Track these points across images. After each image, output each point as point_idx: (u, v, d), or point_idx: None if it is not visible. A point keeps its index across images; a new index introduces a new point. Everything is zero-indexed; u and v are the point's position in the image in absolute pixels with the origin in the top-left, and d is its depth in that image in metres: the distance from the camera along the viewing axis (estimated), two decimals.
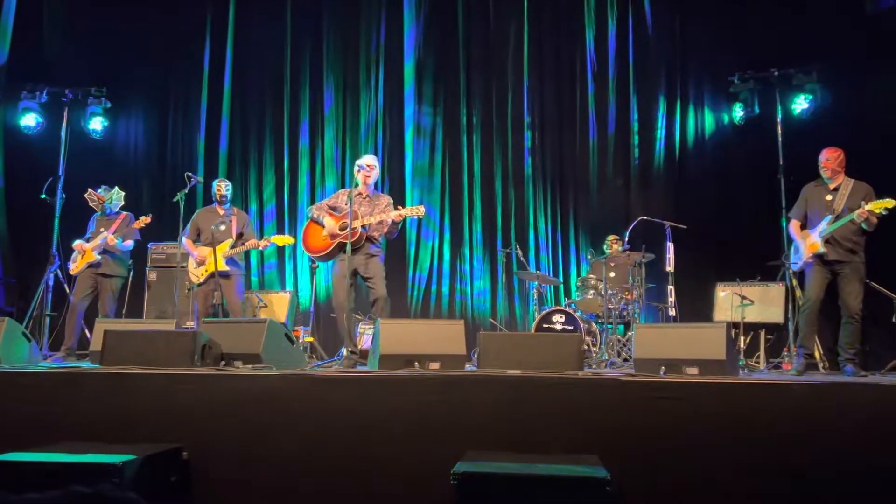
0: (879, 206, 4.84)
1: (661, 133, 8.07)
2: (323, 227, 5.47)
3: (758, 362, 6.05)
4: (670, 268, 6.22)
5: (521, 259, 7.45)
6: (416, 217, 5.44)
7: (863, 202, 4.97)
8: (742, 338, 6.08)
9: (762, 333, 6.24)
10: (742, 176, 7.56)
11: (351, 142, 8.35)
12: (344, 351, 5.25)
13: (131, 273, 6.84)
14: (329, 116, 8.36)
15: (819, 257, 5.01)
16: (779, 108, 7.43)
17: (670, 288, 6.25)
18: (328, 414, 3.52)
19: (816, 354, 6.17)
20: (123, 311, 6.86)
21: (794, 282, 6.03)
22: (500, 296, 7.82)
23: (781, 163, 7.01)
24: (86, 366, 4.59)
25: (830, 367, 6.33)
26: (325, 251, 5.43)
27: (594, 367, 5.64)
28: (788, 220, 5.48)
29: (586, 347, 6.33)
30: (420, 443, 3.41)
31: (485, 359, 4.20)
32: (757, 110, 7.56)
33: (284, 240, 6.00)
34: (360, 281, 5.50)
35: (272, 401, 3.56)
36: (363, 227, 5.30)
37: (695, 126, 8.07)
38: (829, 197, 5.12)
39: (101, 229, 6.40)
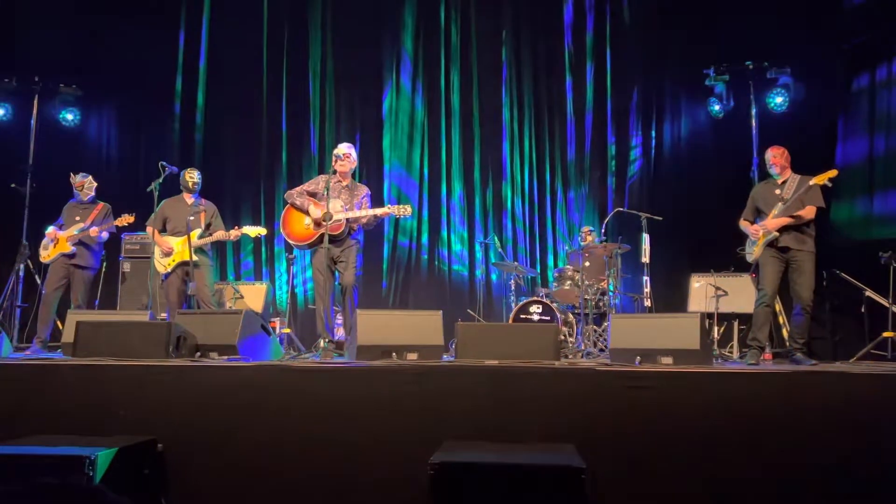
0: (823, 177, 4.92)
1: (637, 126, 8.12)
2: (304, 213, 5.41)
3: (731, 352, 6.13)
4: (646, 259, 6.26)
5: (500, 250, 7.46)
6: (402, 216, 5.45)
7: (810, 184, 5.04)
8: (716, 328, 6.16)
9: (735, 323, 6.33)
10: (717, 169, 7.63)
11: (329, 130, 8.28)
12: (321, 342, 5.22)
13: (104, 264, 6.73)
14: (307, 105, 8.28)
15: (771, 245, 5.04)
16: (753, 102, 7.51)
17: (646, 279, 6.30)
18: (305, 405, 3.50)
19: (788, 345, 6.28)
20: (97, 302, 6.76)
21: None
22: (479, 286, 7.83)
23: (755, 156, 7.09)
24: (58, 357, 4.51)
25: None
26: (308, 241, 5.39)
27: (571, 356, 5.67)
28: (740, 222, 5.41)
29: (563, 337, 6.35)
30: (397, 433, 3.41)
31: (462, 349, 4.21)
32: (732, 104, 7.63)
33: (256, 231, 5.90)
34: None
35: (248, 392, 3.53)
36: (346, 220, 5.31)
37: (671, 119, 8.13)
38: (777, 191, 5.16)
39: (77, 218, 6.27)
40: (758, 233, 5.10)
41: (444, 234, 8.13)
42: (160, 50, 8.23)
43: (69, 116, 8.03)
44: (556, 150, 8.22)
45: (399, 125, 8.24)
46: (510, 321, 6.55)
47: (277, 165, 8.25)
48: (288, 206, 5.58)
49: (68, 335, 4.65)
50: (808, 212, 5.01)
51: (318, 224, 5.34)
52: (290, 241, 5.53)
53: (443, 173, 8.20)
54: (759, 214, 5.28)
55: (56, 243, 6.16)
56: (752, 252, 5.23)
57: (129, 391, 3.57)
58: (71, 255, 6.12)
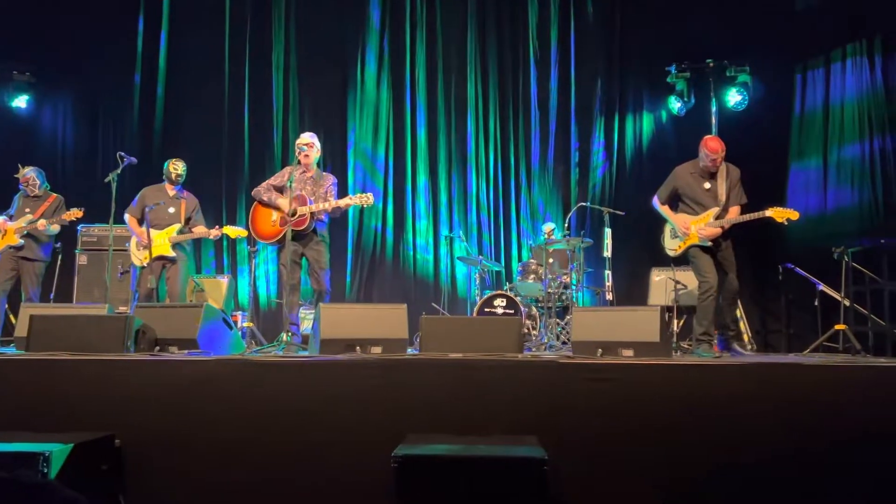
0: (782, 215, 4.81)
1: (600, 122, 8.21)
2: (272, 209, 5.33)
3: (690, 344, 6.25)
4: (608, 253, 6.35)
5: (465, 244, 7.49)
6: (364, 205, 5.41)
7: (735, 194, 5.01)
8: (675, 321, 6.27)
9: (693, 317, 6.45)
10: (677, 164, 7.76)
11: (293, 123, 8.19)
12: (284, 336, 5.18)
13: (60, 257, 6.56)
14: (270, 97, 8.17)
15: (699, 246, 5.03)
16: (713, 99, 7.66)
17: (607, 273, 6.39)
18: (267, 400, 3.46)
19: (745, 337, 6.44)
20: (51, 296, 6.58)
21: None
22: (443, 280, 7.85)
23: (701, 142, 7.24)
24: (10, 352, 4.39)
25: (759, 349, 6.63)
26: (275, 237, 5.32)
27: (534, 349, 5.71)
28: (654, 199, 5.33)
29: (526, 331, 6.41)
30: (361, 427, 3.39)
31: (427, 343, 4.21)
32: (693, 101, 7.77)
33: (237, 232, 5.78)
34: (304, 264, 5.44)
35: (209, 387, 3.48)
36: (311, 213, 5.26)
37: (634, 116, 8.24)
38: (707, 185, 5.08)
39: (27, 210, 6.09)
40: (689, 231, 5.01)
41: (409, 227, 8.12)
42: (118, 38, 8.02)
43: (21, 104, 7.78)
44: (521, 144, 8.26)
45: (364, 118, 8.19)
46: (474, 314, 6.57)
47: (240, 158, 8.12)
48: (255, 203, 5.50)
49: (21, 329, 4.52)
50: (734, 213, 4.99)
51: (283, 222, 5.28)
52: (259, 239, 5.47)
53: (408, 166, 8.18)
54: (678, 199, 5.18)
55: (4, 235, 5.98)
56: (676, 248, 5.17)
57: (85, 386, 3.49)
58: (19, 248, 5.95)
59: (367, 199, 5.31)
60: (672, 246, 5.26)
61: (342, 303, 7.07)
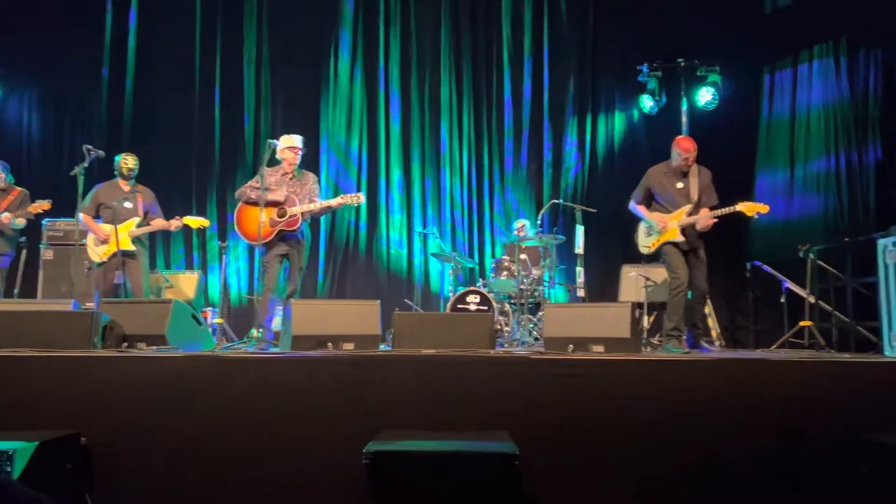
0: (752, 209, 4.93)
1: (573, 120, 8.27)
2: (262, 208, 5.29)
3: (661, 341, 6.33)
4: (580, 250, 6.40)
5: (438, 240, 7.48)
6: (355, 204, 5.45)
7: (705, 197, 5.11)
8: (646, 317, 6.34)
9: (663, 313, 6.53)
10: (650, 163, 7.80)
11: (265, 116, 8.10)
12: (255, 332, 5.14)
13: (24, 251, 6.43)
14: (241, 90, 8.07)
15: (673, 244, 5.12)
16: (684, 99, 7.75)
17: (579, 269, 6.44)
18: (237, 397, 3.43)
19: (714, 334, 6.54)
20: (15, 291, 6.44)
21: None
22: (417, 276, 7.84)
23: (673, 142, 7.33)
24: None
25: (727, 345, 6.73)
26: (266, 238, 5.31)
27: (507, 346, 5.74)
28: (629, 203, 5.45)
29: (499, 327, 6.43)
30: (333, 424, 3.38)
31: (400, 339, 4.22)
32: (664, 100, 7.85)
33: (199, 222, 5.71)
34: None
35: (178, 384, 3.43)
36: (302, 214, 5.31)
37: (606, 114, 8.31)
38: (680, 185, 5.18)
39: None
40: (666, 226, 5.09)
41: (383, 222, 8.09)
42: (87, 29, 7.85)
43: None
44: (495, 141, 8.28)
45: (337, 111, 8.14)
46: (447, 311, 6.58)
47: (210, 152, 8.01)
48: (240, 204, 5.44)
49: None
50: (704, 215, 5.06)
51: (273, 223, 5.30)
52: (247, 240, 5.44)
53: (382, 161, 8.15)
54: (651, 199, 5.29)
55: None
56: (650, 245, 5.25)
57: (51, 384, 3.42)
58: None
59: (358, 198, 5.37)
60: (646, 244, 5.33)
61: (314, 298, 7.03)
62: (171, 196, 7.89)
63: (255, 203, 5.34)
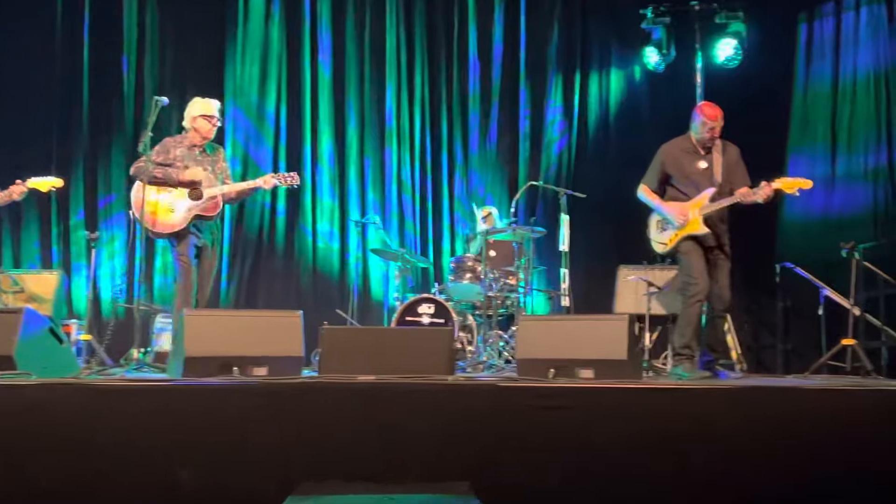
0: (792, 185, 5.01)
1: (557, 81, 8.33)
2: (175, 186, 5.31)
3: (666, 363, 6.41)
4: (565, 247, 6.42)
5: (382, 231, 7.44)
6: (291, 187, 5.59)
7: (736, 177, 5.18)
8: (648, 334, 6.41)
9: (671, 329, 6.61)
10: (654, 135, 7.93)
11: (151, 66, 7.94)
12: (134, 352, 5.08)
13: None
14: (120, 31, 7.90)
15: (695, 238, 5.18)
16: (699, 53, 7.86)
17: (564, 271, 6.47)
18: (110, 437, 3.37)
19: (734, 355, 6.66)
20: None
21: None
22: (353, 278, 7.78)
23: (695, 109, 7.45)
24: None
25: (749, 369, 6.86)
26: (178, 227, 5.31)
27: (469, 370, 5.75)
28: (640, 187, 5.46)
29: (460, 346, 6.44)
30: (239, 474, 3.35)
31: (329, 361, 4.21)
32: (673, 54, 7.95)
33: (49, 183, 5.53)
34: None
35: (31, 419, 3.37)
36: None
37: (599, 73, 8.40)
38: (702, 164, 5.25)
39: None
40: (687, 217, 5.16)
41: (308, 207, 8.03)
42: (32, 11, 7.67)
43: None
44: (456, 106, 8.30)
45: (247, 61, 8.03)
46: (393, 324, 6.56)
47: (76, 113, 7.85)
48: (139, 183, 5.35)
49: None
50: (763, 186, 5.10)
51: (188, 209, 5.30)
52: (154, 231, 5.34)
53: (307, 128, 8.09)
54: (667, 183, 5.35)
55: None
56: (667, 242, 5.30)
57: None
58: None
59: (293, 179, 5.51)
60: (661, 240, 5.38)
61: (215, 308, 6.92)
62: (23, 168, 7.65)
63: (160, 182, 5.30)
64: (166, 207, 5.30)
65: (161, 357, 5.40)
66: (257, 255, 7.93)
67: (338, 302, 7.63)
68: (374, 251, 7.49)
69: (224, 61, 8.04)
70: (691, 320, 5.11)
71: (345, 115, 8.16)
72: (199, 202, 5.31)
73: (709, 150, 5.26)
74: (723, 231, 5.25)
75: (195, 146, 5.48)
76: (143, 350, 5.12)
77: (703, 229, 5.14)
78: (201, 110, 5.51)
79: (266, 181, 5.49)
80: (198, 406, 3.46)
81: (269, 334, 4.33)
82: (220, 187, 5.38)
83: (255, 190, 5.61)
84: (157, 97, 5.31)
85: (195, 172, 5.35)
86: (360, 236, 7.77)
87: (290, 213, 8.02)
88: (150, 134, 5.23)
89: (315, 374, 4.51)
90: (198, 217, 5.33)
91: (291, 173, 5.56)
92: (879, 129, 7.29)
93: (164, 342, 5.92)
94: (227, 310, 7.11)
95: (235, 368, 4.14)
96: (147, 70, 7.95)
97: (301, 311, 4.45)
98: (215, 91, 7.92)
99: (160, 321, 6.35)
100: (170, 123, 6.71)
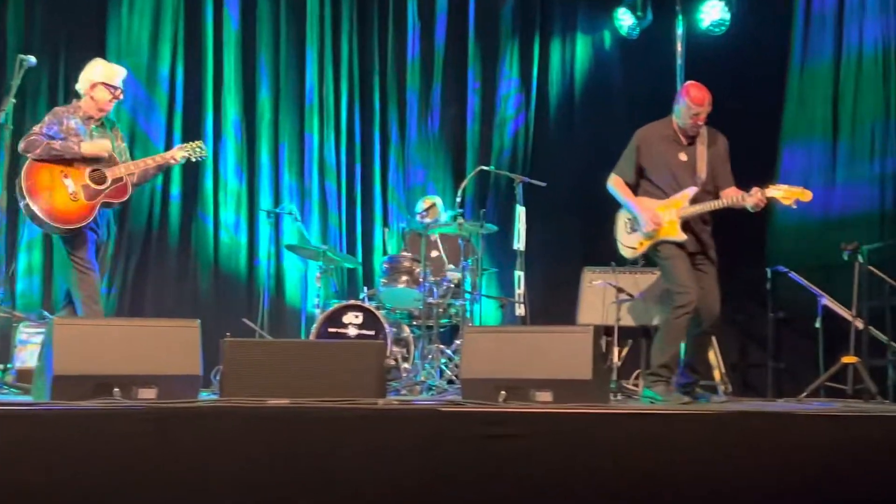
0: (789, 196, 5.06)
1: (512, 48, 8.39)
2: (67, 168, 5.24)
3: (637, 385, 6.47)
4: (520, 245, 6.45)
5: (299, 224, 7.38)
6: (200, 159, 5.71)
7: (720, 179, 5.28)
8: (616, 349, 6.47)
9: (643, 343, 6.68)
10: (627, 115, 8.02)
11: (13, 21, 7.72)
12: None
13: None
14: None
15: (674, 244, 5.23)
16: (679, 17, 7.96)
17: (519, 274, 6.49)
18: None
19: (717, 375, 6.76)
20: None
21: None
22: (263, 280, 7.70)
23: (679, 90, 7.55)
24: None
25: (735, 391, 6.96)
26: (85, 219, 5.27)
27: (404, 392, 5.78)
28: (611, 178, 5.51)
29: (393, 362, 6.44)
30: None
31: (233, 381, 4.21)
32: (650, 18, 8.04)
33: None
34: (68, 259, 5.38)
35: None
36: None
37: (562, 40, 8.48)
38: (683, 156, 5.31)
39: None
40: (659, 224, 5.20)
41: (209, 193, 7.94)
42: None
43: None
44: (392, 78, 8.31)
45: (135, 12, 7.88)
46: (312, 337, 6.54)
47: None
48: (31, 164, 5.26)
49: None
50: (732, 195, 5.20)
51: (94, 193, 5.26)
52: (52, 224, 5.25)
53: (208, 94, 8.00)
54: (641, 176, 5.40)
55: None
56: (636, 246, 5.37)
57: None
58: None
59: (202, 149, 5.65)
60: (629, 242, 5.43)
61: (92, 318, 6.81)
62: None
63: (58, 160, 5.23)
64: (64, 193, 5.20)
65: (24, 376, 5.26)
66: (145, 250, 7.79)
67: (244, 309, 7.57)
68: (290, 247, 7.44)
69: (107, 13, 7.88)
70: (676, 336, 5.16)
71: (255, 82, 8.10)
72: (105, 187, 5.25)
73: (692, 140, 5.31)
74: (706, 233, 5.32)
75: (91, 119, 5.42)
76: (1, 367, 4.99)
77: (680, 235, 5.19)
78: (103, 76, 5.44)
79: (174, 155, 5.52)
80: (69, 436, 3.38)
81: (158, 348, 4.30)
82: (127, 164, 5.36)
83: (164, 167, 5.64)
84: (22, 56, 5.25)
85: (100, 146, 5.31)
86: (273, 229, 7.68)
87: (187, 199, 7.90)
88: (12, 100, 5.14)
89: (215, 397, 4.48)
90: (103, 206, 5.30)
91: (198, 142, 5.61)
92: (888, 111, 7.42)
93: (27, 357, 5.78)
94: (106, 318, 6.97)
95: (116, 390, 4.09)
96: (11, 24, 7.74)
97: (199, 321, 4.43)
98: (96, 49, 7.79)
99: (24, 332, 6.18)
100: (38, 89, 6.57)
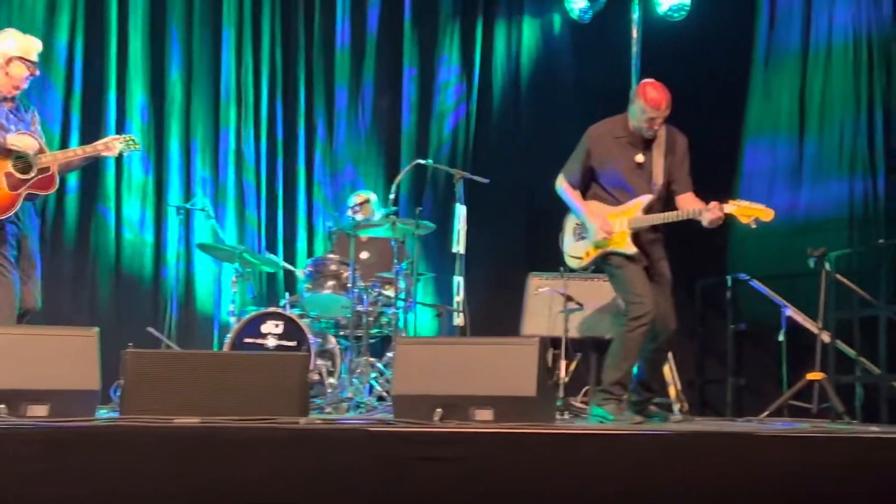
0: (747, 214, 5.11)
1: (452, 32, 8.44)
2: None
3: (586, 402, 6.51)
4: (460, 248, 6.46)
5: (213, 221, 7.31)
6: (132, 151, 5.77)
7: (677, 188, 5.34)
8: (564, 363, 6.50)
9: (593, 357, 6.72)
10: (577, 106, 8.11)
11: None
12: None
13: None
14: None
15: (624, 256, 5.27)
16: (635, 1, 8.04)
17: (458, 280, 6.50)
18: None
19: (672, 392, 6.83)
20: None
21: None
22: (171, 284, 7.62)
23: (635, 85, 7.61)
24: None
25: (691, 410, 7.04)
26: (12, 209, 5.28)
27: (330, 410, 5.79)
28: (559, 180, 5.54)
29: (318, 377, 6.44)
30: None
31: (135, 397, 4.18)
32: (603, 1, 8.09)
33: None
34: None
35: None
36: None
37: (507, 23, 8.53)
38: (639, 159, 5.34)
39: None
40: (610, 233, 5.24)
41: (111, 185, 7.88)
42: None
43: None
44: (318, 62, 8.30)
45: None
46: (226, 348, 6.51)
47: None
48: None
49: None
50: (689, 203, 5.26)
51: (17, 183, 5.25)
52: None
53: (111, 72, 7.93)
54: (592, 178, 5.42)
55: None
56: (582, 256, 5.42)
57: None
58: None
59: (134, 142, 5.64)
60: (575, 252, 5.48)
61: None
62: None
63: None
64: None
65: None
66: (32, 250, 7.65)
67: (150, 316, 7.53)
68: (203, 247, 7.37)
69: None
70: (631, 351, 5.20)
71: (165, 61, 8.05)
72: (31, 177, 5.22)
73: (649, 142, 5.34)
74: (657, 243, 5.37)
75: (5, 100, 5.38)
76: None
77: (630, 247, 5.24)
78: (19, 50, 5.37)
79: (108, 146, 5.47)
80: None
81: (51, 360, 4.27)
82: (55, 154, 5.36)
83: (91, 159, 5.64)
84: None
85: (27, 143, 5.26)
86: (184, 227, 7.60)
87: (85, 192, 7.81)
88: None
89: (115, 416, 4.43)
90: (27, 198, 5.31)
91: (129, 135, 5.60)
92: (859, 106, 7.59)
93: None
94: None
95: (2, 406, 4.05)
96: None
97: (97, 329, 4.40)
98: None
99: None
100: None
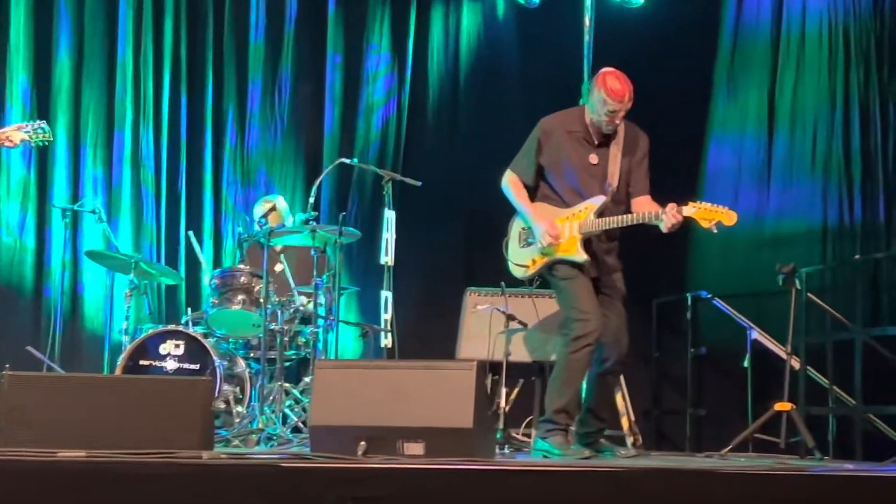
0: (711, 216, 5.10)
1: (381, 14, 8.46)
2: None
3: (530, 435, 6.54)
4: (388, 259, 6.46)
5: (104, 225, 7.24)
6: (44, 142, 5.75)
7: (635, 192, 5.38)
8: (505, 391, 6.52)
9: (538, 383, 6.75)
10: (522, 101, 8.17)
11: None
12: None
13: None
14: None
15: (573, 264, 5.31)
16: None
17: (386, 295, 6.51)
18: None
19: (625, 423, 6.87)
20: None
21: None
22: (56, 297, 7.53)
23: (587, 79, 7.67)
24: None
25: (645, 443, 7.09)
26: None
27: (238, 442, 5.77)
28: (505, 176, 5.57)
29: (224, 405, 6.39)
30: None
31: (12, 427, 4.15)
32: None
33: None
34: None
35: None
36: None
37: (445, 5, 8.55)
38: (594, 158, 5.38)
39: None
40: (558, 238, 5.28)
41: None
42: None
43: None
44: (231, 48, 8.31)
45: None
46: (118, 371, 6.45)
47: None
48: None
49: None
50: (645, 205, 5.30)
51: None
52: None
53: None
54: (541, 177, 5.47)
55: None
56: (528, 264, 5.47)
57: None
58: None
59: (43, 131, 5.67)
60: (520, 259, 5.50)
61: None
62: None
63: None
64: None
65: None
66: None
67: (30, 333, 7.46)
68: (92, 255, 7.27)
69: None
70: (575, 375, 5.23)
71: (52, 43, 8.00)
72: None
73: (606, 140, 5.37)
74: (612, 252, 5.42)
75: None
76: None
77: (580, 254, 5.26)
78: None
79: (10, 136, 5.48)
80: None
81: None
82: None
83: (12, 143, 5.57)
84: None
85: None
86: (70, 231, 7.53)
87: None
88: None
89: None
90: None
91: (40, 122, 5.59)
92: (834, 102, 7.70)
93: None
94: None
95: None
96: None
97: None
98: None
99: None
100: None
